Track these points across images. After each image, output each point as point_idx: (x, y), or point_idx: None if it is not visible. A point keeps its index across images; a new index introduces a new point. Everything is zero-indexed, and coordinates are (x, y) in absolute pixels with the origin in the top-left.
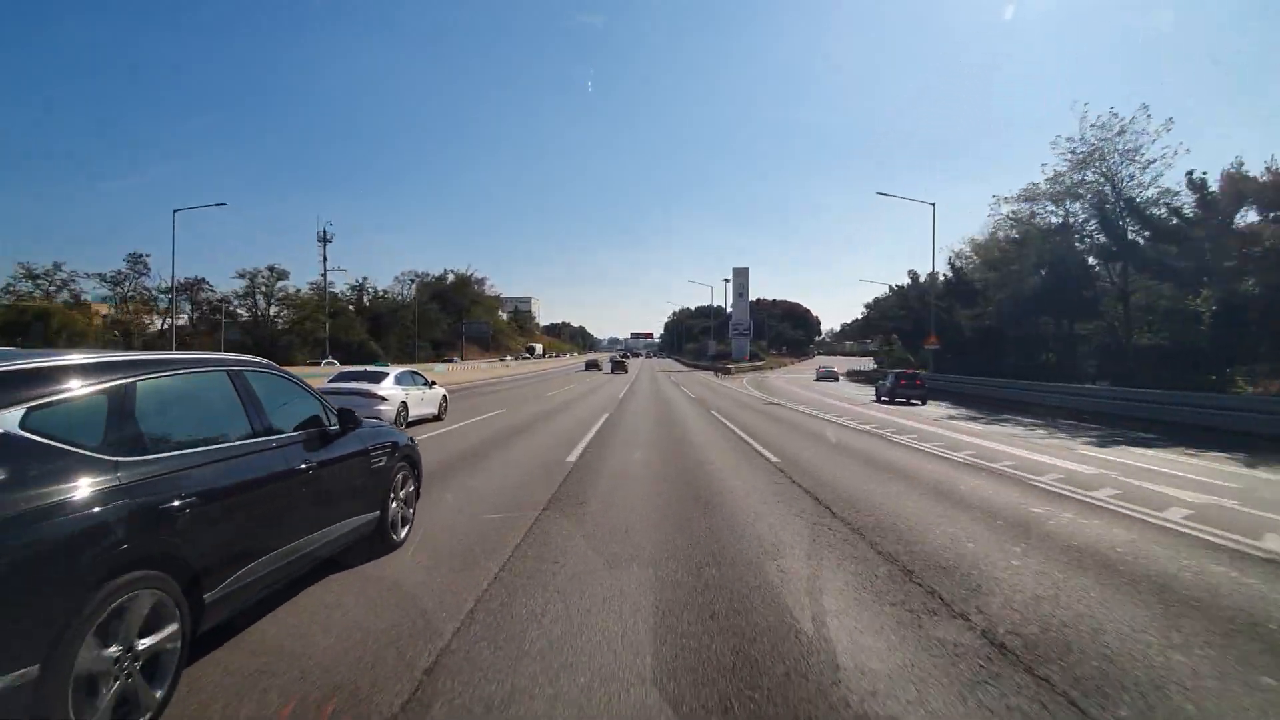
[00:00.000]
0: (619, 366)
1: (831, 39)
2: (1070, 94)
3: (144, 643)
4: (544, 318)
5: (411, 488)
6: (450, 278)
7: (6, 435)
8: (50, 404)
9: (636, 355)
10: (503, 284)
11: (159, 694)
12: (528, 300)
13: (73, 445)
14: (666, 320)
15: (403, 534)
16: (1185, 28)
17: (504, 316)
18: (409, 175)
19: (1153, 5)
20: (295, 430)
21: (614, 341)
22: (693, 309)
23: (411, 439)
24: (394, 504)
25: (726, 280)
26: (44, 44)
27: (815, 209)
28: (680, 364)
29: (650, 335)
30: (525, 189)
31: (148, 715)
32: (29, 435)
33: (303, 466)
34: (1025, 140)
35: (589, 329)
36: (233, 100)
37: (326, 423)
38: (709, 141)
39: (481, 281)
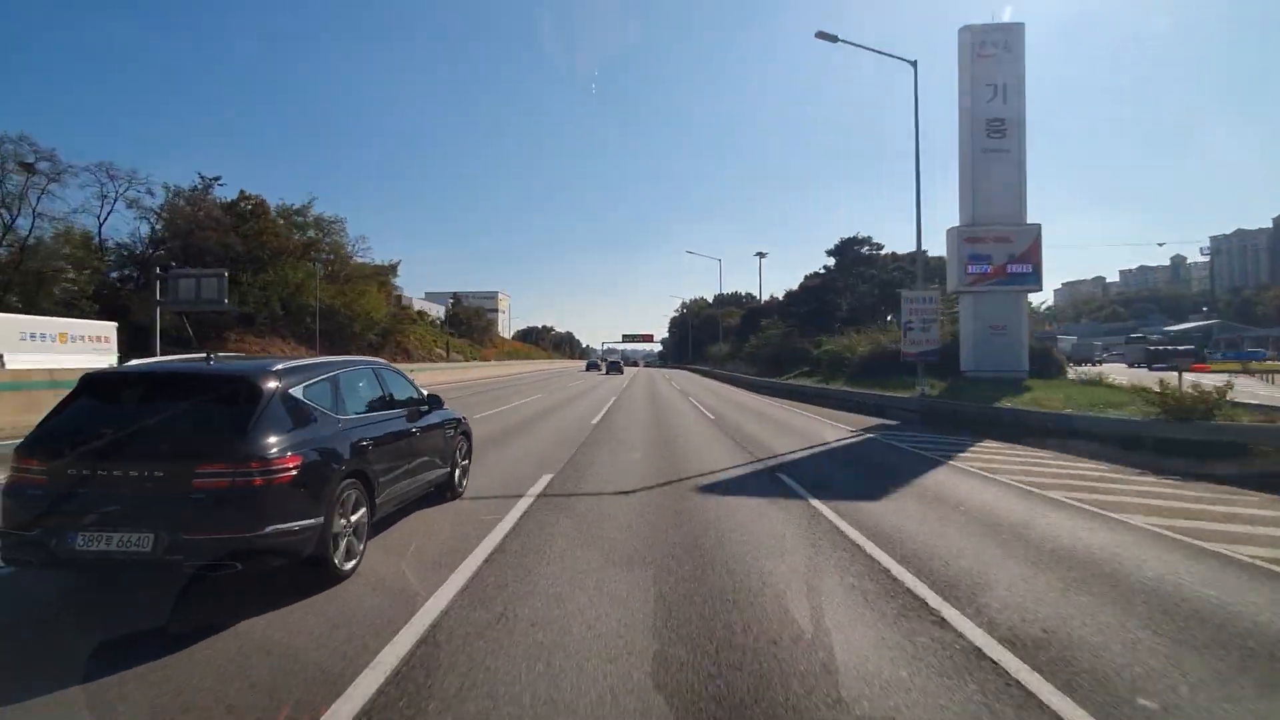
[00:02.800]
0: (614, 367)
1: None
2: (1070, 96)
3: (353, 518)
4: (518, 319)
5: (468, 459)
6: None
7: (297, 398)
8: (311, 384)
9: (632, 364)
10: (484, 286)
11: (360, 550)
12: (492, 295)
13: (322, 407)
14: (673, 315)
15: (462, 488)
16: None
17: (414, 307)
18: (395, 173)
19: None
20: (404, 407)
21: (610, 350)
22: (710, 299)
23: (464, 418)
24: (458, 465)
25: (760, 256)
26: (47, 42)
27: (825, 211)
28: (730, 384)
29: (649, 338)
30: (511, 186)
31: (355, 560)
32: (305, 400)
33: (412, 430)
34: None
35: (578, 335)
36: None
37: (420, 403)
38: (710, 145)
39: (333, 225)
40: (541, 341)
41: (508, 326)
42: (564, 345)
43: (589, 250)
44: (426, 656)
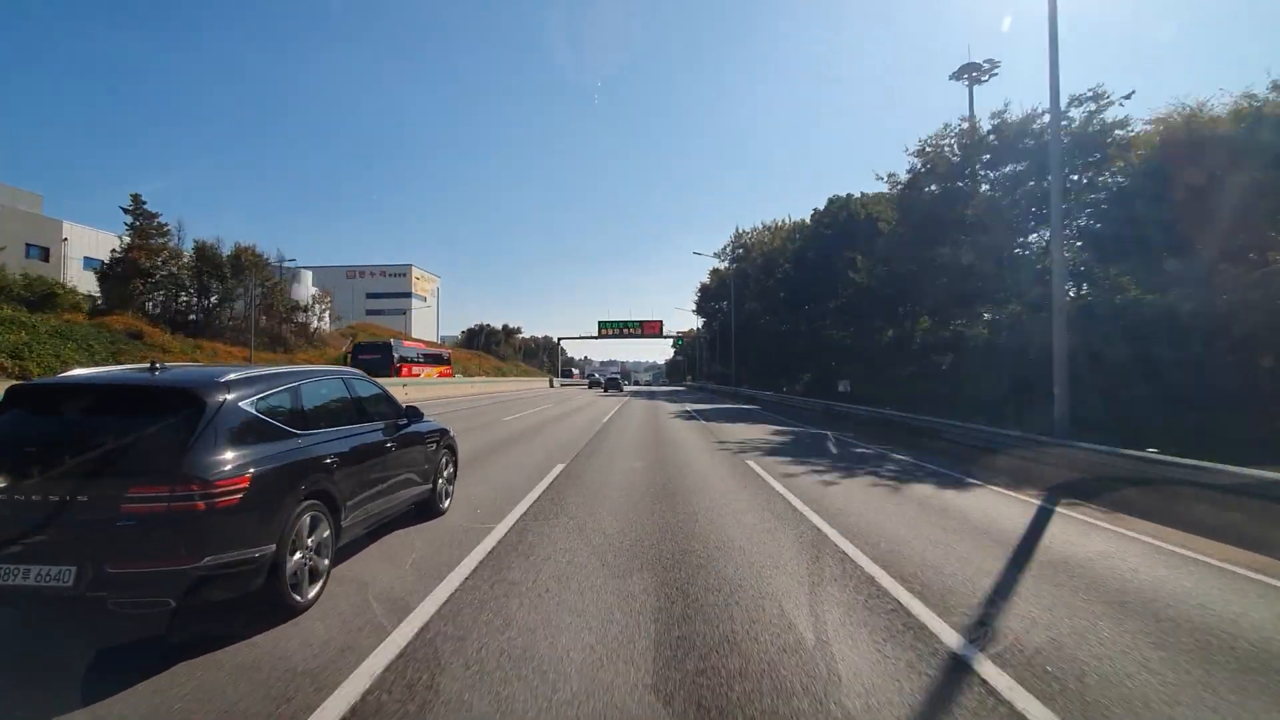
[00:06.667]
0: (613, 384)
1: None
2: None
3: (315, 545)
4: (465, 314)
5: (452, 470)
6: None
7: (249, 411)
8: (267, 396)
9: (632, 382)
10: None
11: (321, 580)
12: (402, 270)
13: (279, 422)
14: (710, 277)
15: (445, 505)
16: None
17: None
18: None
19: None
20: (379, 419)
21: (609, 363)
22: (807, 218)
23: (448, 430)
24: (441, 481)
25: (969, 79)
26: (59, 54)
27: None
28: None
29: (654, 330)
30: (507, 187)
31: (317, 587)
32: (258, 414)
33: (388, 446)
34: None
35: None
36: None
37: (398, 415)
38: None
39: None
40: (498, 347)
41: (435, 321)
42: (539, 353)
43: (588, 258)
44: (382, 700)
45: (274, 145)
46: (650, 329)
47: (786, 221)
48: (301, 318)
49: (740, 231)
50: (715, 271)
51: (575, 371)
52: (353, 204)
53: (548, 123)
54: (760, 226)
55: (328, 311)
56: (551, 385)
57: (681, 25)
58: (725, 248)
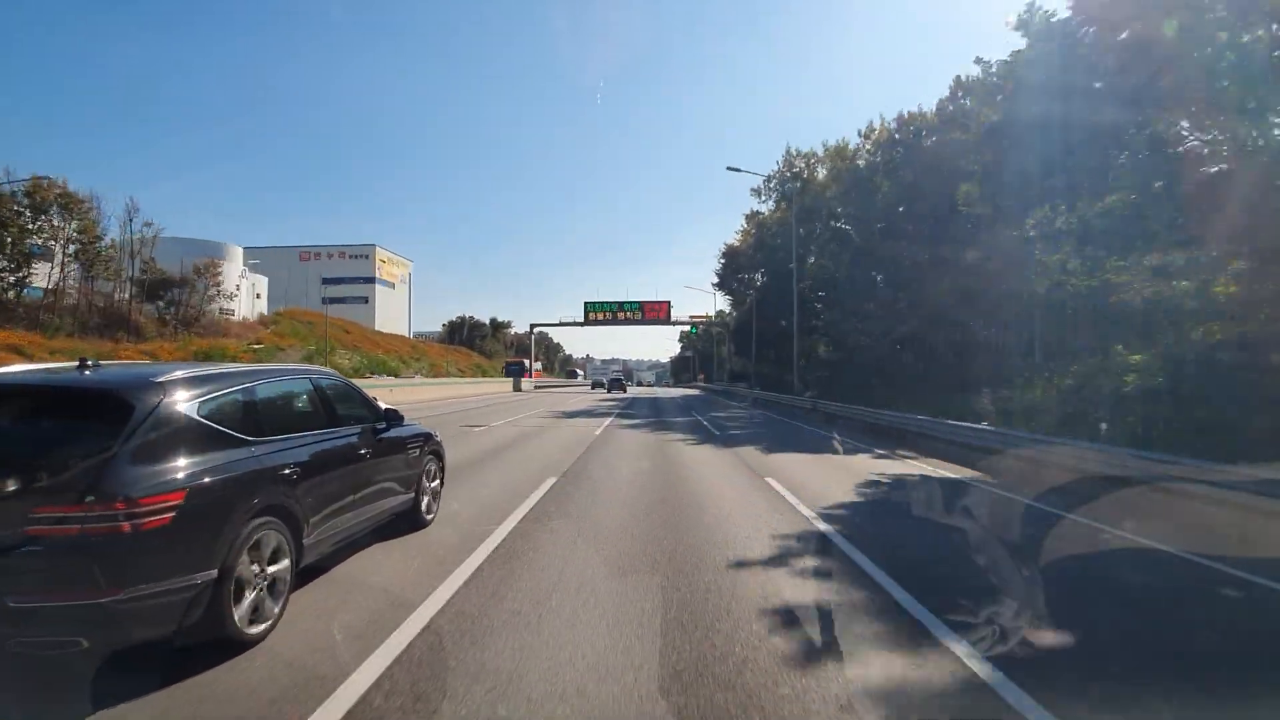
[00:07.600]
0: (616, 384)
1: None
2: None
3: (270, 568)
4: (445, 302)
5: (438, 478)
6: None
7: (190, 415)
8: (213, 398)
9: (635, 382)
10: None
11: (278, 607)
12: (364, 250)
13: (227, 428)
14: (740, 235)
15: (430, 517)
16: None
17: None
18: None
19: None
20: (354, 424)
21: (610, 361)
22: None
23: (434, 434)
24: (425, 490)
25: None
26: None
27: None
28: None
29: (659, 314)
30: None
31: (270, 620)
32: (201, 418)
33: (362, 452)
34: None
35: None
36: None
37: (375, 419)
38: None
39: None
40: (483, 342)
41: (406, 311)
42: (528, 352)
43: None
44: None
45: (257, 134)
46: (653, 313)
47: (878, 127)
48: (178, 294)
49: (793, 153)
50: (753, 218)
51: (536, 368)
52: (341, 199)
53: (547, 112)
54: (820, 151)
55: (218, 290)
56: (517, 389)
57: None
58: (769, 179)
